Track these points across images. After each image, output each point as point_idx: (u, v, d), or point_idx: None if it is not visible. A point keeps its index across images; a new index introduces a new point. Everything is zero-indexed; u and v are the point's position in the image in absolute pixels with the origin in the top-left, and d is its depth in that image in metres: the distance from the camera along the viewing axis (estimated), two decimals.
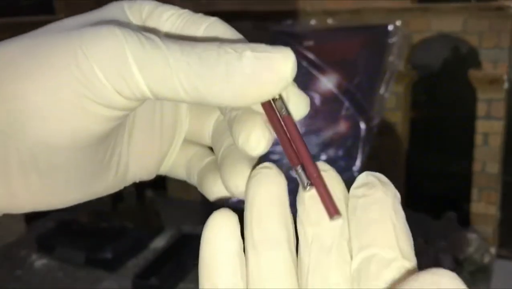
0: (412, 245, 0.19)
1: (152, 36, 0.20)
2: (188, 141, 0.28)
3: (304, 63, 1.84)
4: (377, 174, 0.21)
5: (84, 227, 2.15)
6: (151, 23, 0.23)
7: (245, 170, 0.22)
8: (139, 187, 2.35)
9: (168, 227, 2.17)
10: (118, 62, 0.19)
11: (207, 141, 0.27)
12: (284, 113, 0.21)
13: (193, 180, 0.26)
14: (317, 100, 1.85)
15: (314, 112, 1.83)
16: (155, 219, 2.21)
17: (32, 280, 1.90)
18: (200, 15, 0.23)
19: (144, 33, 0.20)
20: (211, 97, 0.20)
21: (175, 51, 0.20)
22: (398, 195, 0.20)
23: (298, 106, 0.21)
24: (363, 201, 0.20)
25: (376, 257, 0.18)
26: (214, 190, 0.24)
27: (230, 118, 0.22)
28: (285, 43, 0.21)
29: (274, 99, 0.21)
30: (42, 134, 0.20)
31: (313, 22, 2.00)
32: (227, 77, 0.19)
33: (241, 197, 0.22)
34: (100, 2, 0.24)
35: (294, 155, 0.21)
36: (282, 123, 0.21)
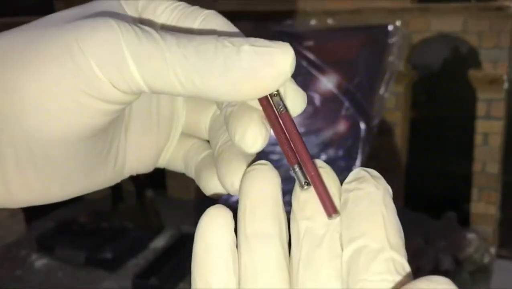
0: (403, 239, 0.19)
1: (149, 29, 0.20)
2: (186, 134, 0.27)
3: (304, 63, 1.84)
4: (369, 169, 0.20)
5: (84, 227, 2.15)
6: (147, 16, 0.23)
7: (241, 168, 0.22)
8: (139, 187, 2.34)
9: (168, 227, 2.17)
10: (114, 55, 0.19)
11: (204, 135, 0.27)
12: (281, 109, 0.21)
13: (191, 174, 0.26)
14: (317, 100, 1.85)
15: (314, 112, 1.83)
16: (155, 219, 2.21)
17: (32, 280, 1.90)
18: (196, 7, 0.22)
19: (141, 25, 0.20)
20: (208, 92, 0.20)
21: (172, 44, 0.19)
22: (390, 190, 0.20)
23: (296, 102, 0.21)
24: (354, 195, 0.19)
25: (366, 249, 0.18)
26: (211, 185, 0.24)
27: (227, 113, 0.22)
28: None
29: (271, 95, 0.21)
30: (38, 128, 0.20)
31: (313, 22, 2.00)
32: (225, 72, 0.19)
33: (236, 194, 0.22)
34: None
35: (292, 153, 0.21)
36: (280, 119, 0.21)
